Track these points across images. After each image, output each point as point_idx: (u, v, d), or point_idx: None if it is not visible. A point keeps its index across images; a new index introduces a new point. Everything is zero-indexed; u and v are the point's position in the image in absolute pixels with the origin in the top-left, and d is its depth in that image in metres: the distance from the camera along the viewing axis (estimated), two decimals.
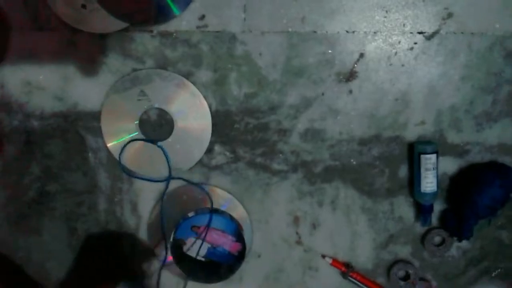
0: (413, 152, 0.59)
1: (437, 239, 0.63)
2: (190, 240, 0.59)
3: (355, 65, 0.58)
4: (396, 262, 0.63)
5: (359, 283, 0.63)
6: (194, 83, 0.58)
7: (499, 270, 0.64)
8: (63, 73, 0.58)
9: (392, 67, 0.58)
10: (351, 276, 0.62)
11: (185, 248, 0.59)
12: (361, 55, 0.57)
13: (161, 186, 0.61)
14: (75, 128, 0.60)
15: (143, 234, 0.63)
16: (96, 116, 0.59)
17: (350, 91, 0.59)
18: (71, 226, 0.62)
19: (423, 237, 0.63)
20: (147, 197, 0.62)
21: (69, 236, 0.63)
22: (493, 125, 0.60)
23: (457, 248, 0.63)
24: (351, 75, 0.58)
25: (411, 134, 0.60)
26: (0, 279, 0.61)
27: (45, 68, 0.58)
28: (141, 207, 0.62)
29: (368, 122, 0.59)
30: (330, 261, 0.63)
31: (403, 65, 0.58)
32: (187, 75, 0.58)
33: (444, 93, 0.59)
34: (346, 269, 0.62)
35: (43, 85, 0.58)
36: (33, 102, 0.59)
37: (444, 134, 0.60)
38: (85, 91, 0.58)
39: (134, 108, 0.58)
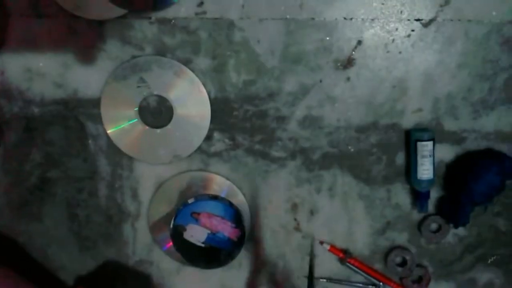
0: (410, 140, 0.60)
1: (434, 225, 0.63)
2: (190, 226, 0.60)
3: (353, 52, 0.58)
4: (393, 248, 0.64)
5: (356, 269, 0.63)
6: (193, 70, 0.58)
7: (495, 257, 0.65)
8: (63, 60, 0.58)
9: (390, 54, 0.58)
10: (349, 262, 0.63)
11: (185, 234, 0.60)
12: (359, 42, 0.58)
13: (161, 172, 0.62)
14: (75, 115, 0.60)
15: (143, 220, 0.63)
16: (96, 102, 0.59)
17: (348, 78, 0.59)
18: (72, 212, 0.63)
19: (420, 224, 0.63)
20: (147, 183, 0.62)
21: (70, 222, 0.63)
22: (490, 112, 0.60)
23: (453, 235, 0.64)
24: (348, 62, 0.58)
25: (408, 121, 0.60)
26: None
27: (45, 55, 0.58)
28: (141, 193, 0.62)
29: (366, 109, 0.60)
30: (328, 247, 0.63)
31: (400, 52, 0.58)
32: (186, 62, 0.58)
33: (441, 81, 0.59)
34: (344, 255, 0.63)
35: (43, 71, 0.59)
36: (33, 89, 0.59)
37: (441, 121, 0.60)
38: (84, 78, 0.59)
39: (133, 95, 0.59)
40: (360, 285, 0.64)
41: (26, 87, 0.59)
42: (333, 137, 0.61)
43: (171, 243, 0.61)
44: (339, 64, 0.58)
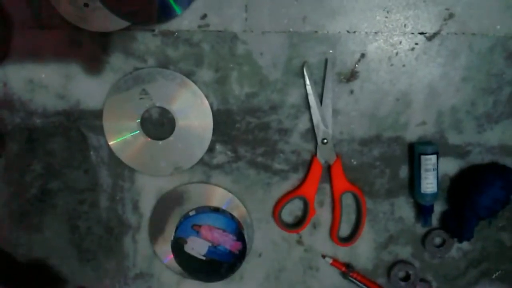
0: (413, 153, 0.59)
1: (438, 240, 0.63)
2: (191, 239, 0.59)
3: (356, 65, 0.58)
4: (397, 262, 0.63)
5: (359, 283, 0.63)
6: (195, 82, 0.58)
7: (499, 272, 0.64)
8: (66, 71, 0.58)
9: (393, 67, 0.58)
10: (351, 276, 0.62)
11: (186, 247, 0.59)
12: (362, 55, 0.58)
13: (162, 184, 0.61)
14: (77, 126, 0.60)
15: (143, 232, 0.63)
16: (98, 114, 0.59)
17: (351, 91, 0.59)
18: (73, 223, 0.63)
19: (424, 238, 0.63)
20: (148, 195, 0.62)
21: (70, 233, 0.63)
22: (494, 126, 0.60)
23: (457, 249, 0.63)
24: (352, 75, 0.58)
25: (412, 134, 0.60)
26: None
27: (48, 66, 0.58)
28: (142, 205, 0.62)
29: (369, 122, 0.59)
30: (330, 261, 0.63)
31: (404, 66, 0.58)
32: (189, 74, 0.58)
33: (445, 94, 0.59)
34: (347, 269, 0.62)
35: (46, 83, 0.59)
36: (36, 100, 0.59)
37: (445, 135, 0.60)
38: (87, 89, 0.59)
39: (135, 107, 0.59)
40: None
41: (28, 98, 0.59)
42: (336, 150, 0.60)
43: (171, 256, 0.61)
44: (342, 77, 0.58)
